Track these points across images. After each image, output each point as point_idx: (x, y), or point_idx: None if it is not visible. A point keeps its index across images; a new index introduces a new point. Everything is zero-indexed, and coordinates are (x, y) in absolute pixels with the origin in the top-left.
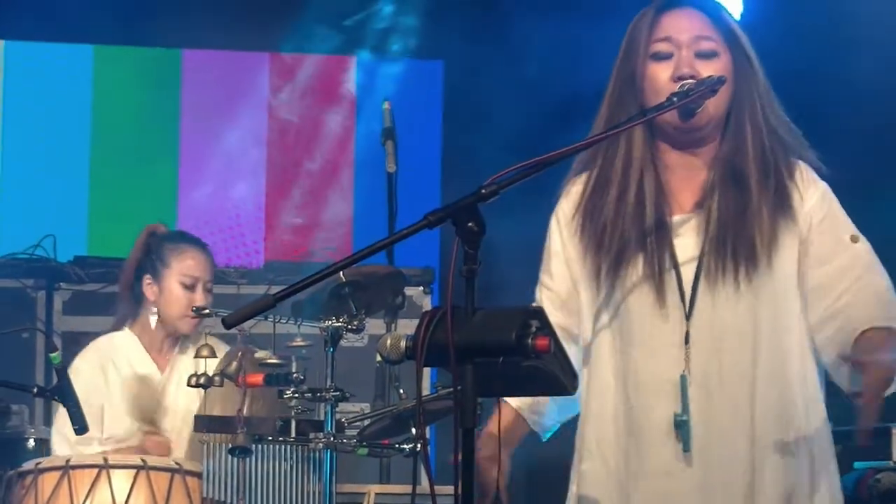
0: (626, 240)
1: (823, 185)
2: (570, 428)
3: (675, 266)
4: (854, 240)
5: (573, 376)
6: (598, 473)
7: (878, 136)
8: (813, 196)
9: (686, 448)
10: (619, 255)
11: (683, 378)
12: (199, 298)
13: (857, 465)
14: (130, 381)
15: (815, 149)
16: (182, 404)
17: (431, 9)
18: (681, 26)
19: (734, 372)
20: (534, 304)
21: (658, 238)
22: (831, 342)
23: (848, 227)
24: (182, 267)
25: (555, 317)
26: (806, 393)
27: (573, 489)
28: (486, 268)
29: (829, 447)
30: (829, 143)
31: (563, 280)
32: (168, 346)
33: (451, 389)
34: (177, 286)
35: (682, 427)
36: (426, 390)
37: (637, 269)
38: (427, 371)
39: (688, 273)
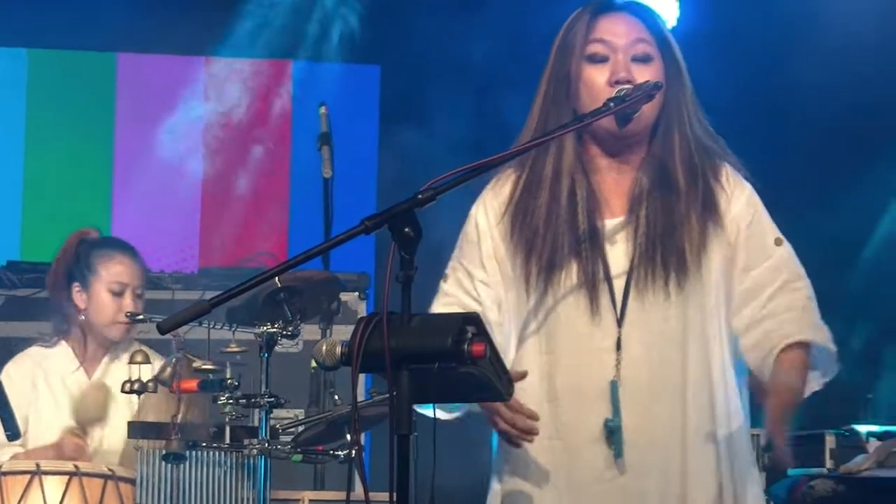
0: (560, 244)
1: (749, 188)
2: None
3: (608, 272)
4: (778, 243)
5: (508, 382)
6: (523, 471)
7: (829, 139)
8: (740, 198)
9: (618, 454)
10: (551, 259)
11: (614, 383)
12: (129, 304)
13: (791, 472)
14: (83, 385)
15: (767, 152)
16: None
17: (368, 13)
18: (617, 30)
19: (665, 379)
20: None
21: (591, 244)
22: (756, 348)
23: (772, 229)
24: (110, 273)
25: (493, 313)
26: (728, 398)
27: (496, 487)
28: (423, 272)
29: (751, 452)
30: (787, 145)
31: (496, 280)
32: (100, 353)
33: (387, 396)
34: (105, 293)
35: (614, 433)
36: (361, 396)
37: (571, 275)
38: (361, 377)
39: (619, 280)
